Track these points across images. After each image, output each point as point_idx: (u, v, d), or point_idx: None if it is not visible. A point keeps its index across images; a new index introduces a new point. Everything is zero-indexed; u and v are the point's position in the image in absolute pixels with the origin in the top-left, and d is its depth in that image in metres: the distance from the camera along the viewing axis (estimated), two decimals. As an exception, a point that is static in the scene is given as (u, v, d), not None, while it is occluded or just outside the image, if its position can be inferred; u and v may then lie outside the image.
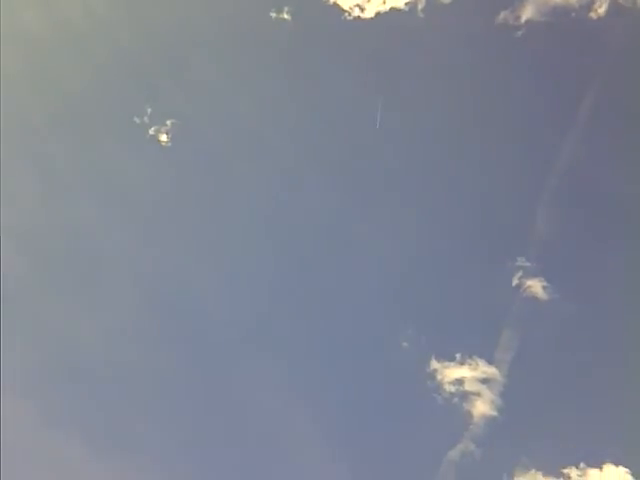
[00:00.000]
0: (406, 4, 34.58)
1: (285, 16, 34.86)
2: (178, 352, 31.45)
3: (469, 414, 30.36)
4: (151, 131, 34.15)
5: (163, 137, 34.11)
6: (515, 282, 31.46)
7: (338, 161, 34.53)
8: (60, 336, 31.06)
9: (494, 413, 30.31)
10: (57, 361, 31.19)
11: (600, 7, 33.62)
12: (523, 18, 34.15)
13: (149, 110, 34.22)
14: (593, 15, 33.77)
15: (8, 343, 30.08)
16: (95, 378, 30.83)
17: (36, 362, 30.77)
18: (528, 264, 31.55)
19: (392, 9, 34.56)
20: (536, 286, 31.22)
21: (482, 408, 30.32)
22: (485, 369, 30.67)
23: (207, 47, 34.90)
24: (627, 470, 28.39)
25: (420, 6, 34.53)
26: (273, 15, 34.84)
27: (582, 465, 28.93)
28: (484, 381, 30.69)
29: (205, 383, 31.18)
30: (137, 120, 34.21)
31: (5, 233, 31.68)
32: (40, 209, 33.06)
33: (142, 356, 31.16)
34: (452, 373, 30.71)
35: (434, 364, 30.90)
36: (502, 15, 34.25)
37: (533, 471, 29.03)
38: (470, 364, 30.79)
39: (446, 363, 30.89)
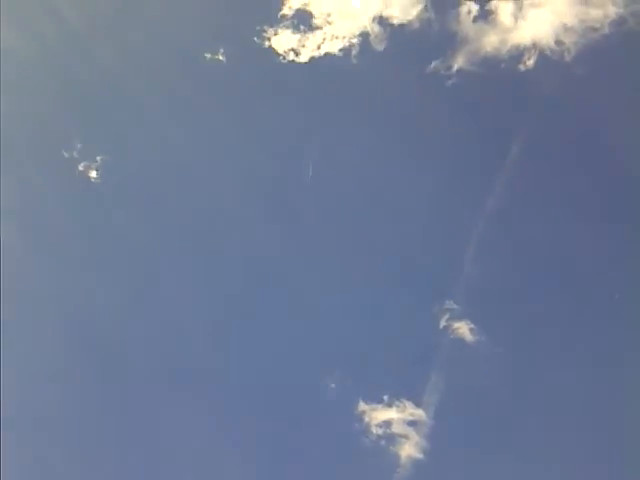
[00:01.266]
0: (340, 50, 35.07)
1: (220, 57, 35.01)
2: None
3: (396, 456, 30.10)
4: (80, 167, 33.70)
5: (93, 173, 33.72)
6: (443, 324, 31.57)
7: (267, 202, 34.40)
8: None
9: (421, 456, 30.13)
10: None
11: (529, 59, 34.51)
12: (454, 67, 34.83)
13: (79, 145, 33.79)
14: (522, 67, 34.59)
15: None
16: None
17: None
18: (456, 306, 31.70)
19: (326, 54, 35.01)
20: (463, 328, 31.37)
21: (409, 450, 30.11)
22: (412, 411, 30.54)
23: (141, 84, 34.72)
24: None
25: (354, 52, 35.08)
26: (208, 56, 34.94)
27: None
28: (411, 423, 30.53)
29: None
30: (66, 154, 33.75)
31: None
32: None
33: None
34: (380, 415, 30.48)
35: (362, 406, 30.63)
36: (433, 64, 34.91)
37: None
38: (398, 406, 30.63)
39: (374, 405, 30.67)
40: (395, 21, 35.20)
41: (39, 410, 31.26)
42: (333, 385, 30.95)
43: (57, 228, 33.66)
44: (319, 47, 35.06)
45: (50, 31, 34.66)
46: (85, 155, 33.93)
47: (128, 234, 33.87)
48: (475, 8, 34.99)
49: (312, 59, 35.00)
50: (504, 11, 34.92)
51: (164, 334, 32.34)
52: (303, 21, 35.23)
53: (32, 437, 31.24)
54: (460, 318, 31.62)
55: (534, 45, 34.50)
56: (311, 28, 35.24)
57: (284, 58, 35.05)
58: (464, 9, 35.00)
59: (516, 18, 34.86)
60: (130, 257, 33.56)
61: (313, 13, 35.28)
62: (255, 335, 32.21)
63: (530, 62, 34.63)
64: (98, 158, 33.90)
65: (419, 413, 30.47)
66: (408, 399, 30.59)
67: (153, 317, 32.58)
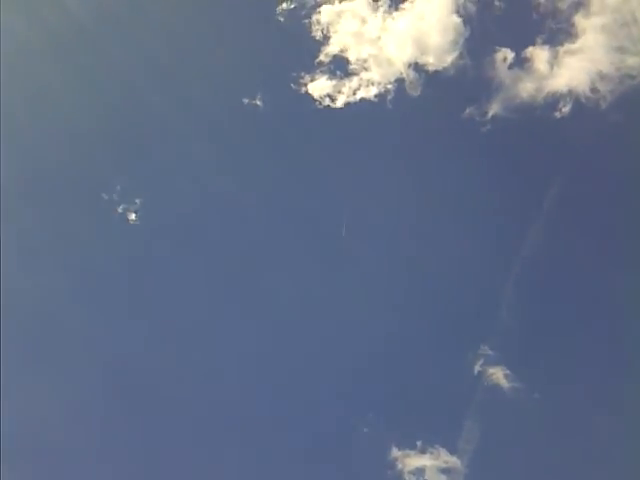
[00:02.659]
0: (375, 96, 35.39)
1: (257, 102, 35.48)
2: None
3: (430, 504, 29.60)
4: (119, 209, 34.10)
5: (132, 216, 34.09)
6: (477, 370, 31.19)
7: (302, 250, 34.48)
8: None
9: (454, 504, 29.59)
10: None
11: (565, 107, 34.52)
12: (489, 114, 34.91)
13: (118, 187, 34.22)
14: (557, 114, 34.60)
15: None
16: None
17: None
18: (490, 352, 31.35)
19: (362, 100, 35.32)
20: (498, 374, 30.96)
21: (443, 498, 29.60)
22: (447, 458, 30.04)
23: (180, 128, 35.25)
24: None
25: (389, 97, 35.37)
26: (245, 101, 35.44)
27: None
28: (445, 471, 30.02)
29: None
30: (105, 197, 34.22)
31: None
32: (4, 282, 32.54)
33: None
34: (413, 462, 30.02)
35: (395, 452, 30.23)
36: (468, 110, 35.05)
37: None
38: (432, 453, 30.16)
39: (407, 451, 30.24)
40: (430, 67, 35.55)
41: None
42: (366, 430, 30.63)
43: (97, 269, 33.87)
44: (355, 93, 35.43)
45: (92, 73, 35.38)
46: (124, 197, 34.24)
47: (167, 275, 33.95)
48: (511, 55, 35.23)
49: (347, 104, 35.34)
50: (540, 58, 35.10)
51: (211, 377, 32.19)
52: (339, 67, 35.68)
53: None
54: (495, 364, 31.25)
55: (570, 92, 34.58)
56: (347, 74, 35.67)
57: (320, 104, 35.42)
58: (500, 56, 35.25)
59: (552, 65, 35.03)
60: (169, 298, 33.57)
61: (349, 59, 35.76)
62: (290, 379, 32.09)
63: (566, 109, 34.69)
64: (137, 200, 34.21)
65: (453, 460, 29.99)
66: (442, 446, 30.14)
67: (196, 360, 32.47)
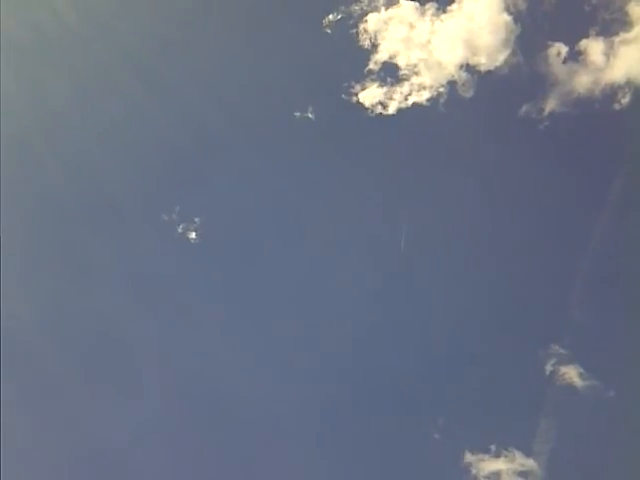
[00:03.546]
0: (428, 100, 35.08)
1: (309, 115, 35.55)
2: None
3: (507, 509, 28.69)
4: (180, 229, 34.40)
5: (192, 235, 34.32)
6: (549, 370, 30.32)
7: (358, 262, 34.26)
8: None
9: (534, 508, 28.62)
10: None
11: (623, 97, 33.70)
12: (546, 110, 34.28)
13: (177, 208, 34.54)
14: (617, 106, 33.77)
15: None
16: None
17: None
18: (562, 351, 30.46)
19: (414, 104, 35.05)
20: (571, 373, 30.00)
21: (521, 502, 28.66)
22: (522, 461, 29.14)
23: (233, 147, 35.53)
24: None
25: (442, 100, 35.02)
26: (297, 114, 35.51)
27: None
28: (522, 474, 29.07)
29: None
30: (165, 217, 34.57)
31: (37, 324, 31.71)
32: (69, 304, 33.01)
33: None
34: (487, 466, 29.19)
35: (468, 457, 29.46)
36: (524, 108, 34.47)
37: None
38: (506, 456, 29.28)
39: (481, 455, 29.43)
40: (482, 68, 35.14)
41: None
42: (437, 435, 29.97)
43: (162, 290, 34.15)
44: (406, 98, 35.18)
45: (143, 98, 35.91)
46: (183, 217, 34.53)
47: (229, 292, 34.05)
48: (565, 49, 34.60)
49: (400, 110, 35.11)
50: (594, 50, 34.38)
51: (280, 386, 32.10)
52: (390, 74, 35.53)
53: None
54: (568, 362, 30.32)
55: (628, 83, 33.72)
56: (398, 80, 35.47)
57: (372, 112, 35.26)
58: (553, 51, 34.66)
59: (607, 56, 34.25)
60: (234, 315, 33.64)
61: (399, 65, 35.58)
62: (360, 385, 31.74)
63: (625, 100, 33.82)
64: (196, 219, 34.45)
65: (530, 463, 29.04)
66: (517, 448, 29.24)
67: (263, 370, 32.43)
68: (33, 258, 33.96)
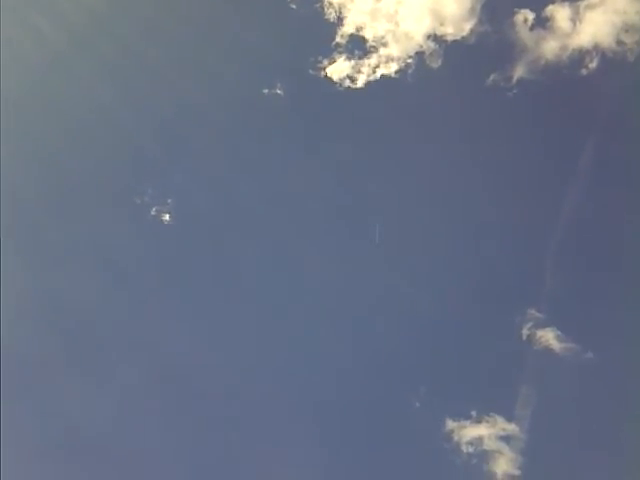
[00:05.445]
0: (396, 72, 34.96)
1: (278, 92, 35.34)
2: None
3: (491, 474, 28.76)
4: (153, 211, 34.11)
5: (166, 217, 34.05)
6: (526, 334, 30.45)
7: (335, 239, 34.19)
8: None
9: (518, 472, 28.71)
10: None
11: (591, 62, 33.76)
12: (514, 78, 34.28)
13: (149, 190, 34.25)
14: (584, 71, 33.85)
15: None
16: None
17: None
18: (538, 315, 30.57)
19: (382, 76, 34.93)
20: (548, 336, 30.15)
21: (505, 467, 28.73)
22: (504, 426, 29.25)
23: (202, 126, 35.28)
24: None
25: (410, 71, 34.93)
26: (265, 91, 35.31)
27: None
28: (504, 438, 29.21)
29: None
30: (138, 200, 34.27)
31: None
32: (40, 290, 32.72)
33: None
34: (469, 432, 29.28)
35: (449, 424, 29.53)
36: (492, 77, 34.46)
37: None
38: (488, 422, 29.40)
39: (462, 422, 29.51)
40: (449, 37, 35.03)
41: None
42: (418, 404, 30.01)
43: (137, 274, 33.89)
44: (374, 71, 35.04)
45: (112, 74, 35.54)
46: (156, 199, 34.24)
47: (207, 273, 33.88)
48: (531, 16, 34.56)
49: (368, 84, 34.97)
50: (561, 16, 34.39)
51: (250, 375, 31.92)
52: (357, 47, 35.37)
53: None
54: (544, 326, 30.47)
55: (595, 47, 33.84)
56: (365, 53, 35.32)
57: (340, 85, 35.12)
58: (519, 18, 34.62)
59: (574, 22, 34.28)
60: (211, 297, 33.47)
61: (366, 37, 35.39)
62: (337, 355, 31.61)
63: (592, 65, 33.90)
64: (169, 201, 34.18)
65: (512, 427, 29.17)
66: (498, 413, 29.36)
67: (238, 355, 32.26)
68: (5, 243, 33.52)
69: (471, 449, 29.20)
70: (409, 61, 34.94)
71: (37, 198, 34.40)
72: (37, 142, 34.99)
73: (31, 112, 35.24)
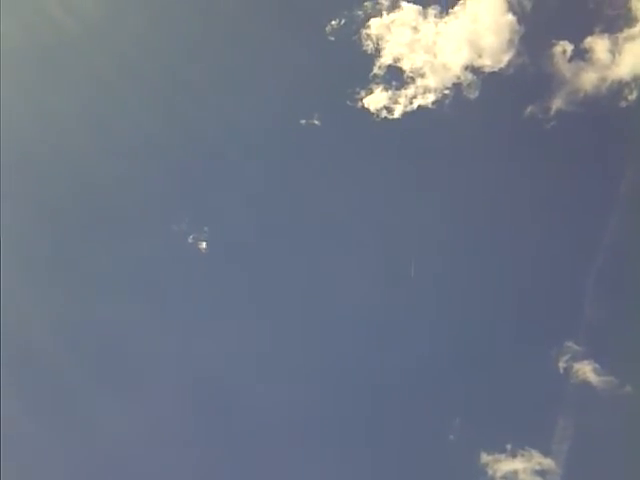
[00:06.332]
0: (433, 102, 35.04)
1: (315, 122, 35.55)
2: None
3: (526, 509, 28.24)
4: (190, 239, 34.35)
5: (202, 245, 34.26)
6: (562, 367, 29.99)
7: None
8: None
9: (553, 507, 28.15)
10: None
11: (630, 94, 33.56)
12: (552, 109, 34.17)
13: (186, 218, 34.52)
14: (623, 103, 33.64)
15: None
16: None
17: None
18: (576, 347, 30.14)
19: (420, 107, 35.01)
20: (586, 369, 29.65)
21: (540, 503, 28.20)
22: (540, 460, 28.71)
23: (240, 154, 35.60)
24: None
25: (447, 102, 34.99)
26: (303, 122, 35.56)
27: None
28: (540, 473, 28.66)
29: None
30: (175, 228, 34.58)
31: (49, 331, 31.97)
32: (81, 316, 33.11)
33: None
34: (504, 466, 28.78)
35: (484, 457, 29.08)
36: (530, 108, 34.38)
37: None
38: (523, 455, 28.88)
39: (497, 455, 29.03)
40: (487, 69, 35.07)
41: None
42: (452, 437, 29.63)
43: (174, 301, 34.13)
44: (411, 102, 35.14)
45: (148, 108, 36.02)
46: (193, 227, 34.48)
47: (241, 301, 33.95)
48: (570, 47, 34.48)
49: (405, 114, 35.06)
50: (600, 47, 34.26)
51: (283, 404, 31.83)
52: (394, 77, 35.52)
53: None
54: (582, 359, 29.99)
55: (634, 79, 33.60)
56: (402, 84, 35.46)
57: (377, 116, 35.23)
58: (558, 49, 34.58)
59: (613, 53, 34.12)
60: (247, 324, 33.50)
61: (403, 69, 35.56)
62: (372, 385, 31.57)
63: (632, 97, 33.64)
64: (206, 229, 34.42)
65: (547, 462, 28.62)
66: (533, 447, 28.83)
67: (272, 388, 32.20)
68: (44, 270, 33.99)
69: (507, 484, 28.68)
70: (446, 92, 35.02)
71: (74, 223, 34.84)
72: (74, 165, 35.42)
73: (68, 136, 35.63)
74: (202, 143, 35.58)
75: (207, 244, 34.36)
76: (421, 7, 35.62)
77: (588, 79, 34.16)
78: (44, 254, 34.24)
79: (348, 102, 35.57)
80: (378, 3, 36.08)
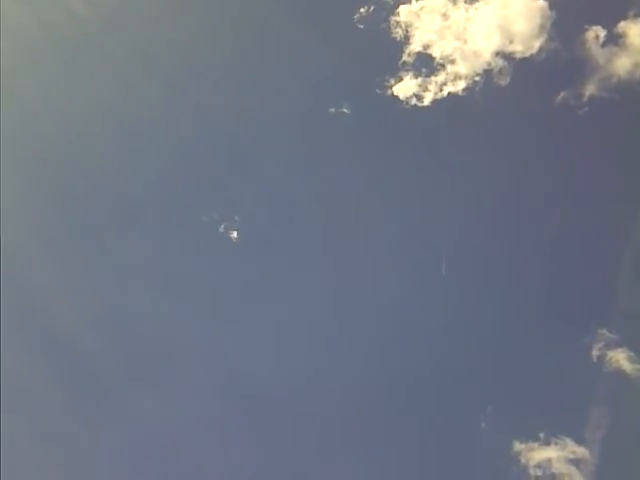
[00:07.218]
0: (463, 90, 34.77)
1: (345, 110, 35.44)
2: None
3: (559, 498, 28.05)
4: (221, 228, 34.43)
5: (234, 234, 34.30)
6: (596, 354, 29.69)
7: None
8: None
9: (587, 497, 27.93)
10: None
11: (665, 78, 33.05)
12: (585, 96, 33.76)
13: (218, 207, 34.59)
14: (657, 87, 33.13)
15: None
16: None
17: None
18: (609, 335, 29.82)
19: (450, 94, 34.76)
20: (619, 357, 29.34)
21: (573, 491, 28.00)
22: (574, 448, 28.47)
23: (270, 144, 35.61)
24: None
25: (478, 89, 34.69)
26: (332, 110, 35.46)
27: None
28: (573, 461, 28.42)
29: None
30: (206, 218, 34.64)
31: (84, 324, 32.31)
32: (113, 307, 33.37)
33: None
34: (537, 454, 28.58)
35: (517, 445, 28.89)
36: (562, 94, 33.99)
37: None
38: (557, 443, 28.66)
39: (530, 444, 28.84)
40: (518, 55, 34.71)
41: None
42: (484, 425, 29.46)
43: (205, 290, 34.21)
44: (442, 89, 34.89)
45: (178, 99, 36.07)
46: (224, 216, 34.53)
47: (273, 290, 33.95)
48: (603, 32, 34.01)
49: (435, 101, 34.84)
50: (633, 32, 33.77)
51: (316, 393, 31.86)
52: (424, 65, 35.27)
53: None
54: (616, 347, 29.66)
55: (670, 63, 33.04)
56: (432, 71, 35.22)
57: (407, 104, 35.04)
58: (591, 34, 34.15)
59: (647, 37, 33.62)
60: (278, 313, 33.52)
61: (433, 55, 35.31)
62: (405, 374, 31.47)
63: (667, 81, 33.13)
64: (236, 218, 34.44)
65: (581, 450, 28.35)
66: (567, 435, 28.59)
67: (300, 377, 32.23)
68: (79, 261, 34.28)
69: (539, 472, 28.55)
70: (477, 79, 34.78)
71: (106, 214, 35.08)
72: (106, 160, 35.71)
73: (98, 128, 35.91)
74: (232, 133, 35.57)
75: (238, 233, 34.39)
76: (450, -7, 35.36)
77: (621, 64, 33.74)
78: (78, 247, 34.52)
79: (377, 90, 35.48)
80: (407, -10, 35.94)
